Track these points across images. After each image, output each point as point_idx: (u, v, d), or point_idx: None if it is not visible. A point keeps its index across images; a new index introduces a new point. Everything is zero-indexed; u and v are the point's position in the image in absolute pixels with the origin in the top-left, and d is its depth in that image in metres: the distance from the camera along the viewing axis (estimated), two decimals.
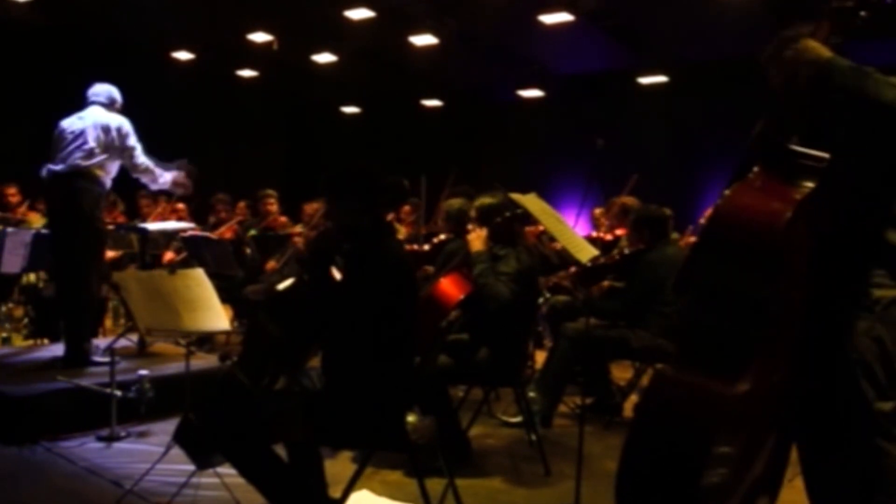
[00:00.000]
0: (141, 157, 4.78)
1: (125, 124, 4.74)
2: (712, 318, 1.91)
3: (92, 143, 4.59)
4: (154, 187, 5.09)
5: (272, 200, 7.02)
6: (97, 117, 4.68)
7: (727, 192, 1.95)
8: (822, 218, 1.93)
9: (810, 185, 1.89)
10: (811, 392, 2.01)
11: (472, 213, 3.93)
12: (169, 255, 6.75)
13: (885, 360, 1.93)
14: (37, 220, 6.92)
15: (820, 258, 1.95)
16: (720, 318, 1.89)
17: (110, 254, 6.33)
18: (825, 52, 1.90)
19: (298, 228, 6.75)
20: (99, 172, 4.65)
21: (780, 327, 1.89)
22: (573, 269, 5.20)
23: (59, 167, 4.60)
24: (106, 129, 4.66)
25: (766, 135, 2.02)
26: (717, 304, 1.91)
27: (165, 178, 4.91)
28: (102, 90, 4.84)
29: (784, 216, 1.81)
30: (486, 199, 3.92)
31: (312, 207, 6.84)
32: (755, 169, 1.97)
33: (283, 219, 6.98)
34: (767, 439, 2.03)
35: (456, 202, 4.56)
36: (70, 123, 4.67)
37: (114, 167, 4.78)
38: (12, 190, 7.39)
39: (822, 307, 1.98)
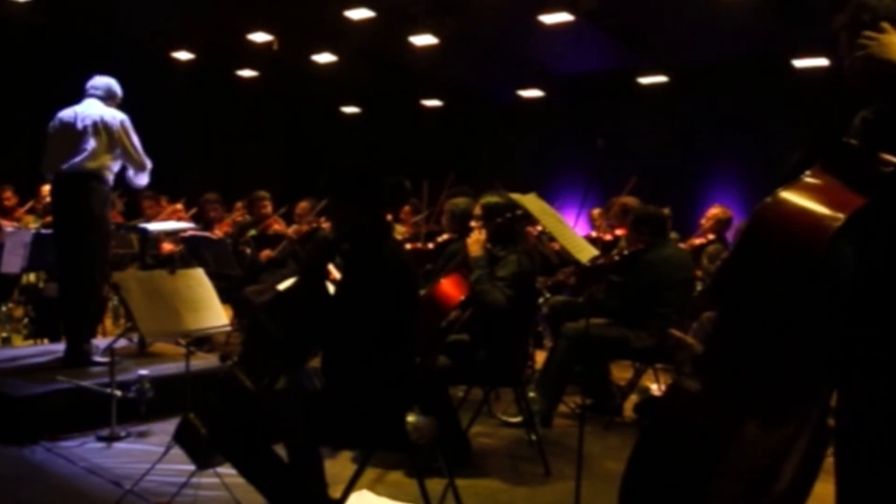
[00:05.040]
0: (142, 154, 4.73)
1: (126, 120, 4.67)
2: (752, 339, 1.68)
3: (94, 143, 4.53)
4: (143, 182, 4.90)
5: (266, 203, 6.96)
6: (97, 113, 4.59)
7: (778, 192, 1.71)
8: (876, 235, 1.69)
9: (870, 194, 1.66)
10: (853, 402, 1.81)
11: (477, 211, 3.88)
12: (168, 247, 6.72)
13: None
14: (32, 222, 6.91)
15: (865, 284, 1.71)
16: (760, 341, 1.66)
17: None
18: None
19: (294, 229, 6.74)
20: (105, 171, 4.61)
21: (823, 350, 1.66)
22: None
23: (64, 167, 4.54)
24: (107, 127, 4.58)
25: (829, 132, 1.81)
26: (757, 321, 1.67)
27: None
28: (101, 83, 4.75)
29: (834, 224, 1.58)
30: (492, 198, 3.86)
31: (302, 206, 6.89)
32: (808, 171, 1.75)
33: (280, 223, 6.93)
34: (796, 450, 1.82)
35: (461, 202, 4.53)
36: (70, 118, 4.59)
37: (116, 165, 4.72)
38: (8, 193, 7.37)
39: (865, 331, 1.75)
